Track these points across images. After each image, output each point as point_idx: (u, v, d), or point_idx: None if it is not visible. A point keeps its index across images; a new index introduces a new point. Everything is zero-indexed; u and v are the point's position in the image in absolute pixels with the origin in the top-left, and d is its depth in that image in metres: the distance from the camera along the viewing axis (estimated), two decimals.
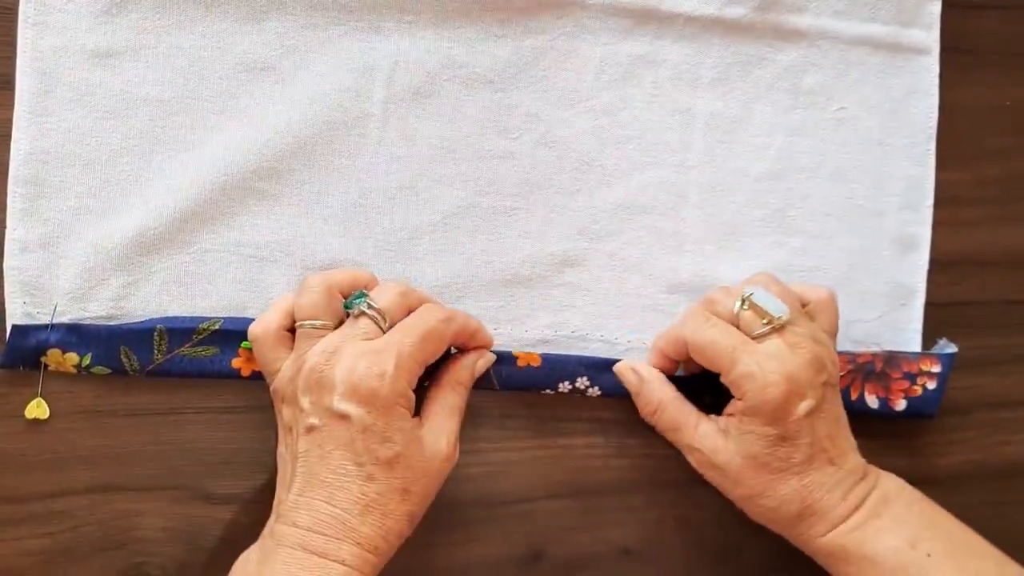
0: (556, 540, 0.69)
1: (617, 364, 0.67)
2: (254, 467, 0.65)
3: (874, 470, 0.64)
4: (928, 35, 0.74)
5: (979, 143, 0.76)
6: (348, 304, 0.59)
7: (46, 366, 0.62)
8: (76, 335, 0.62)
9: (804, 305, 0.65)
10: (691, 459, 0.65)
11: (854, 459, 0.63)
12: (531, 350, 0.67)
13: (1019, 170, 0.76)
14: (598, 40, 0.68)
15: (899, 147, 0.73)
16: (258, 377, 0.63)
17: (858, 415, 0.69)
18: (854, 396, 0.70)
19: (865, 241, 0.73)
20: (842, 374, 0.68)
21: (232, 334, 0.63)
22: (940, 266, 0.74)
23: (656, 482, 0.68)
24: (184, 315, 0.63)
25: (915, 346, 0.73)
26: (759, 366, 0.60)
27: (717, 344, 0.62)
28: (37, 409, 0.62)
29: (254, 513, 0.65)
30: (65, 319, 0.62)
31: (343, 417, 0.56)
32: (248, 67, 0.64)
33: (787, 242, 0.72)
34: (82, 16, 0.62)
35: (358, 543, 0.56)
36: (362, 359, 0.57)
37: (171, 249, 0.63)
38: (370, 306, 0.59)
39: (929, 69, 0.74)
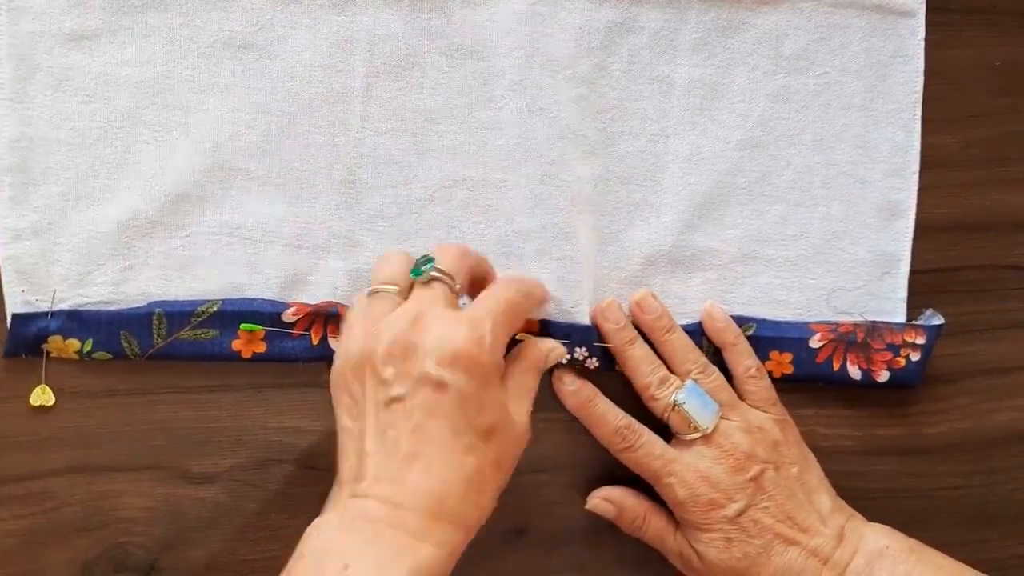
0: (539, 515, 0.73)
1: (590, 501, 0.72)
2: (233, 445, 0.69)
3: (855, 528, 0.69)
4: None
5: (967, 104, 0.78)
6: (417, 271, 0.60)
7: (48, 353, 0.66)
8: (76, 321, 0.66)
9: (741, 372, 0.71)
10: (676, 563, 0.71)
11: (823, 529, 0.68)
12: None
13: (1008, 131, 0.79)
14: (576, 6, 0.72)
15: (884, 112, 0.76)
16: (259, 359, 0.68)
17: (840, 385, 0.74)
18: (836, 366, 0.74)
19: (848, 209, 0.76)
20: (823, 344, 0.73)
21: (231, 315, 0.67)
22: (929, 231, 0.77)
23: None
24: (182, 298, 0.67)
25: (900, 315, 0.76)
26: (680, 483, 0.67)
27: (646, 461, 0.68)
28: (42, 396, 0.67)
29: (234, 491, 0.69)
30: (64, 306, 0.66)
31: (440, 385, 0.56)
32: (225, 44, 0.68)
33: (768, 211, 0.75)
34: None
35: (452, 521, 0.56)
36: (458, 325, 0.58)
37: (165, 233, 0.68)
38: (440, 271, 0.60)
39: (914, 32, 0.76)
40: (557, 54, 0.71)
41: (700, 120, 0.74)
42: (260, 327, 0.67)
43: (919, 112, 0.76)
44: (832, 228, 0.75)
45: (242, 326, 0.67)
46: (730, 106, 0.74)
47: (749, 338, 0.72)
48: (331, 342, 0.68)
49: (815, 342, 0.73)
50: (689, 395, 0.68)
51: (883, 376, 0.74)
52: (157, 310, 0.66)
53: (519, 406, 0.61)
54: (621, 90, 0.72)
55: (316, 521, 0.57)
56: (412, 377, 0.56)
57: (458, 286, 0.61)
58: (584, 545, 0.73)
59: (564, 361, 0.70)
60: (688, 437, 0.68)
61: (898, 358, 0.74)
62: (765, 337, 0.73)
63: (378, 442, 0.57)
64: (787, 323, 0.74)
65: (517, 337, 0.68)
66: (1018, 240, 0.78)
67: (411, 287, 0.61)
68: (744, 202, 0.74)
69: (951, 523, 0.76)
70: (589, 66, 0.72)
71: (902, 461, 0.76)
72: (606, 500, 0.71)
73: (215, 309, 0.67)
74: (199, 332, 0.67)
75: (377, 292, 0.61)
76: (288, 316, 0.67)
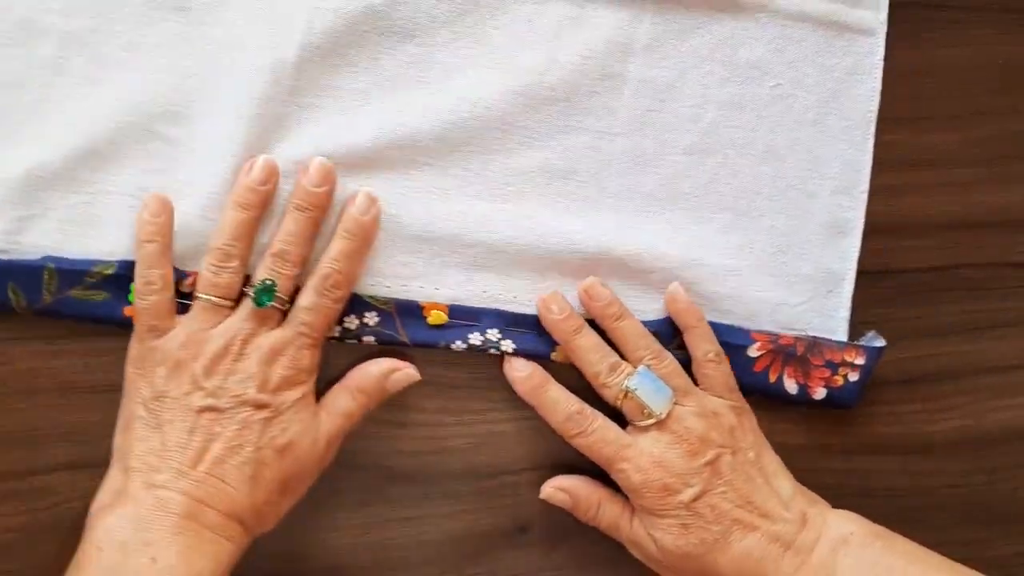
0: (542, 511, 0.73)
1: (543, 491, 0.71)
2: None
3: (819, 513, 0.68)
4: (875, 15, 0.76)
5: (969, 103, 0.79)
6: (259, 301, 0.63)
7: None
8: None
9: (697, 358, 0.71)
10: (633, 552, 0.71)
11: (785, 514, 0.67)
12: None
13: (1010, 130, 0.80)
14: None
15: (836, 129, 0.76)
16: None
17: (776, 399, 0.73)
18: (773, 378, 0.73)
19: (794, 223, 0.75)
20: (762, 353, 0.73)
21: (126, 280, 0.66)
22: (931, 229, 0.78)
23: None
24: (77, 257, 0.66)
25: (841, 334, 0.76)
26: (635, 469, 0.67)
27: (599, 447, 0.68)
28: None
29: None
30: None
31: (259, 406, 0.62)
32: (159, 5, 0.67)
33: (713, 218, 0.74)
34: None
35: (241, 522, 0.62)
36: (283, 352, 0.63)
37: (70, 187, 0.66)
38: (280, 299, 0.64)
39: (873, 51, 0.76)
40: (500, 45, 0.71)
41: (649, 121, 0.73)
42: None
43: (872, 131, 0.76)
44: (776, 241, 0.75)
45: (132, 286, 0.65)
46: (680, 109, 0.73)
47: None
48: None
49: (754, 351, 0.72)
50: (641, 380, 0.68)
51: (819, 393, 0.73)
52: (49, 265, 0.64)
53: (325, 430, 0.65)
54: (571, 84, 0.71)
55: (108, 513, 0.60)
56: (232, 394, 0.62)
57: (287, 307, 0.65)
58: (586, 542, 0.73)
59: (479, 343, 0.69)
60: (642, 423, 0.68)
61: (836, 376, 0.73)
62: None
63: (183, 441, 0.61)
64: (728, 327, 0.73)
65: (429, 322, 0.69)
66: (1019, 239, 0.79)
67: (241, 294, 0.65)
68: (689, 207, 0.74)
69: (952, 522, 0.76)
70: (537, 58, 0.71)
71: (903, 460, 0.76)
72: (560, 490, 0.71)
73: (110, 272, 0.65)
74: (90, 293, 0.65)
75: (210, 302, 0.64)
76: (186, 286, 0.65)
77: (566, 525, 0.72)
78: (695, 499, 0.66)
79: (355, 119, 0.69)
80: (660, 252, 0.72)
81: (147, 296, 0.63)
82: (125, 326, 0.65)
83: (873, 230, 0.76)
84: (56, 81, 0.66)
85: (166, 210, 0.64)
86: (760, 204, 0.74)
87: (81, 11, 0.66)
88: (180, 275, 0.66)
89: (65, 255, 0.65)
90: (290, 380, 0.63)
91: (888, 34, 0.76)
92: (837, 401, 0.73)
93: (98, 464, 0.65)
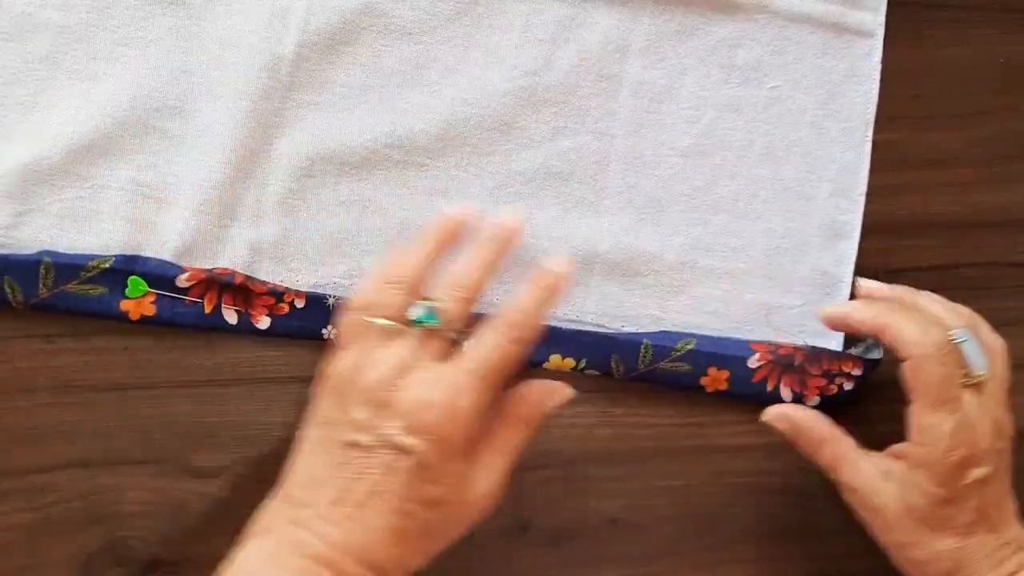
0: (542, 510, 0.72)
1: (767, 413, 0.67)
2: (236, 441, 0.69)
3: None
4: (874, 18, 0.77)
5: (970, 102, 0.79)
6: (419, 319, 0.59)
7: None
8: None
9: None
10: (847, 498, 0.66)
11: (1015, 527, 0.64)
12: None
13: (1011, 129, 0.80)
14: None
15: (834, 131, 0.76)
16: (148, 322, 0.66)
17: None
18: (770, 387, 0.73)
19: (792, 225, 0.75)
20: (762, 364, 0.72)
21: (123, 274, 0.66)
22: (931, 228, 0.78)
23: (642, 451, 0.71)
24: (74, 251, 0.66)
25: (837, 338, 0.75)
26: (950, 425, 0.61)
27: (948, 382, 0.62)
28: None
29: (236, 487, 0.68)
30: None
31: (403, 450, 0.56)
32: None
33: (710, 220, 0.74)
34: None
35: (375, 570, 0.56)
36: (438, 390, 0.57)
37: (66, 182, 0.66)
38: (443, 323, 0.59)
39: (871, 54, 0.77)
40: (498, 45, 0.71)
41: (646, 123, 0.73)
42: (147, 288, 0.66)
43: (870, 133, 0.76)
44: (774, 243, 0.74)
45: (130, 280, 0.65)
46: (678, 111, 0.74)
47: (689, 352, 0.71)
48: (224, 311, 0.67)
49: (754, 362, 0.72)
50: (968, 335, 0.62)
51: (813, 401, 0.73)
52: (45, 259, 0.65)
53: (493, 466, 0.60)
54: (568, 85, 0.72)
55: (251, 539, 0.57)
56: (378, 432, 0.56)
57: (455, 334, 0.59)
58: (587, 541, 0.72)
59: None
60: (959, 383, 0.62)
61: (831, 385, 0.73)
62: (704, 352, 0.71)
63: (332, 477, 0.57)
64: (727, 339, 0.72)
65: None
66: (1019, 239, 0.78)
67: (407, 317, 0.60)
68: (686, 209, 0.74)
69: None
70: (534, 59, 0.71)
71: None
72: (783, 417, 0.67)
73: (107, 266, 0.65)
74: (87, 287, 0.65)
75: (378, 325, 0.59)
76: (182, 281, 0.66)
77: (567, 524, 0.72)
78: (981, 480, 0.61)
79: (352, 117, 0.69)
80: (657, 254, 0.72)
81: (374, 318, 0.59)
82: (121, 320, 0.66)
83: (873, 230, 0.76)
84: (52, 76, 0.66)
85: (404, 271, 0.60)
86: (757, 206, 0.74)
87: (78, 6, 0.66)
88: (176, 270, 0.66)
89: (62, 249, 0.65)
90: (442, 430, 0.57)
91: (889, 33, 0.76)
92: (831, 408, 0.72)
93: (98, 463, 0.66)
